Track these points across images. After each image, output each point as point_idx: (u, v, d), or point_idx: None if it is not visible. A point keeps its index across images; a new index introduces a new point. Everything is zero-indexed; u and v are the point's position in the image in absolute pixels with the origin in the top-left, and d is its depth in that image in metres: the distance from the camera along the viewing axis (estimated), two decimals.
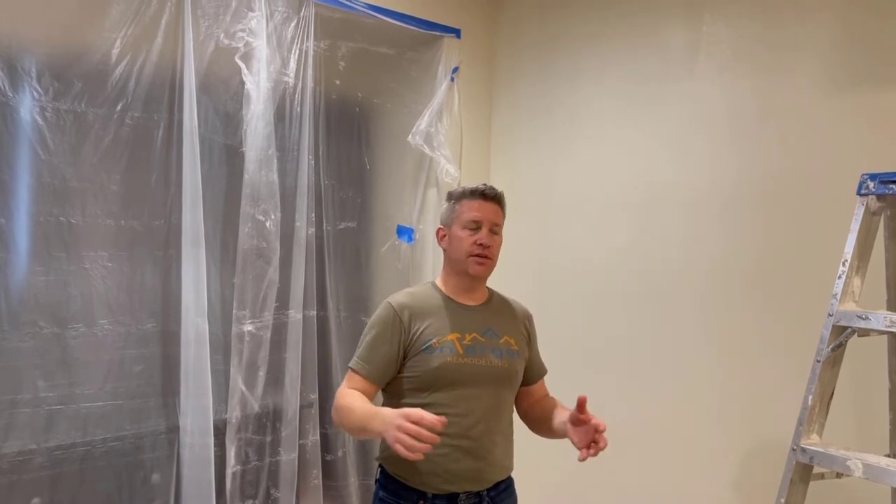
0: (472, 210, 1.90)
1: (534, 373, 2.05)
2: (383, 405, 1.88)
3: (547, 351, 2.12)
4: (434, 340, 1.84)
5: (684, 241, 2.71)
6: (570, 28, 3.14)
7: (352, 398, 1.82)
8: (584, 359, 3.01)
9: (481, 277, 1.94)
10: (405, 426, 1.57)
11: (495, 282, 2.04)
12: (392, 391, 1.90)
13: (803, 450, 1.89)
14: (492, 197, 1.92)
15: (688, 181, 2.70)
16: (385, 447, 1.89)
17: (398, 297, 1.93)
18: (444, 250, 1.97)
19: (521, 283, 2.98)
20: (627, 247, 2.89)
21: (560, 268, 3.14)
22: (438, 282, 1.99)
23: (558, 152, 3.18)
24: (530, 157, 3.29)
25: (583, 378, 2.96)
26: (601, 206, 2.99)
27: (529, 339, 2.04)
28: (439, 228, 1.99)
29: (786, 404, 2.20)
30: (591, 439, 1.72)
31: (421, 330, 1.85)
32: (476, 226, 1.90)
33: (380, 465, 1.94)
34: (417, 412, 1.59)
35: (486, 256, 1.89)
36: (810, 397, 1.90)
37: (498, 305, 2.02)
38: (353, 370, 1.88)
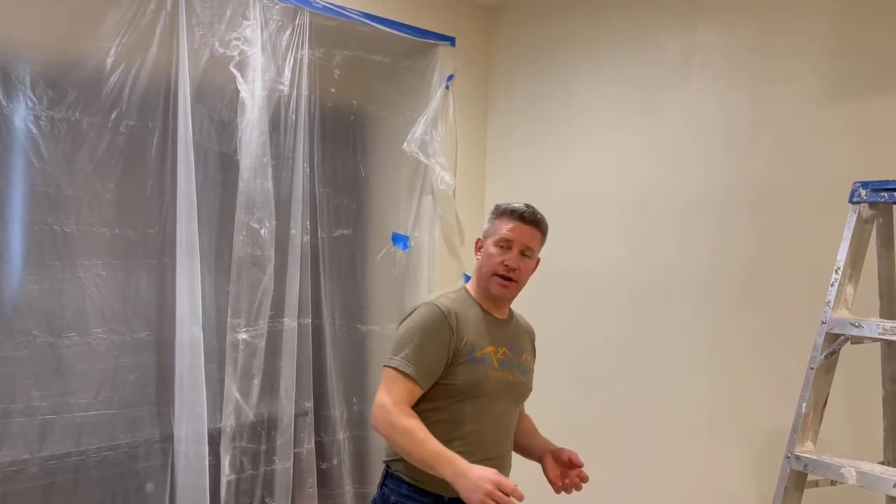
0: (507, 229, 1.87)
1: None
2: None
3: (541, 356, 2.13)
4: (478, 351, 1.81)
5: (678, 248, 2.72)
6: (565, 35, 3.15)
7: (417, 425, 1.70)
8: (578, 364, 3.00)
9: (501, 298, 1.91)
10: (497, 496, 1.54)
11: None
12: (422, 395, 1.81)
13: (797, 457, 1.89)
14: (530, 220, 1.88)
15: (682, 188, 2.71)
16: (394, 450, 1.84)
17: (443, 301, 1.85)
18: (477, 260, 1.95)
19: None
20: (622, 252, 2.89)
21: (555, 273, 3.13)
22: (470, 288, 1.95)
23: (553, 158, 3.18)
24: (525, 164, 3.30)
25: (577, 383, 2.96)
26: (596, 212, 3.00)
27: (534, 357, 2.05)
28: (478, 239, 1.96)
29: (780, 411, 2.20)
30: (567, 478, 1.89)
31: (466, 338, 1.81)
32: (507, 245, 1.87)
33: (386, 468, 1.87)
34: (510, 484, 1.56)
35: (509, 279, 1.87)
36: (804, 405, 1.90)
37: (517, 322, 2.01)
38: (401, 372, 1.75)
